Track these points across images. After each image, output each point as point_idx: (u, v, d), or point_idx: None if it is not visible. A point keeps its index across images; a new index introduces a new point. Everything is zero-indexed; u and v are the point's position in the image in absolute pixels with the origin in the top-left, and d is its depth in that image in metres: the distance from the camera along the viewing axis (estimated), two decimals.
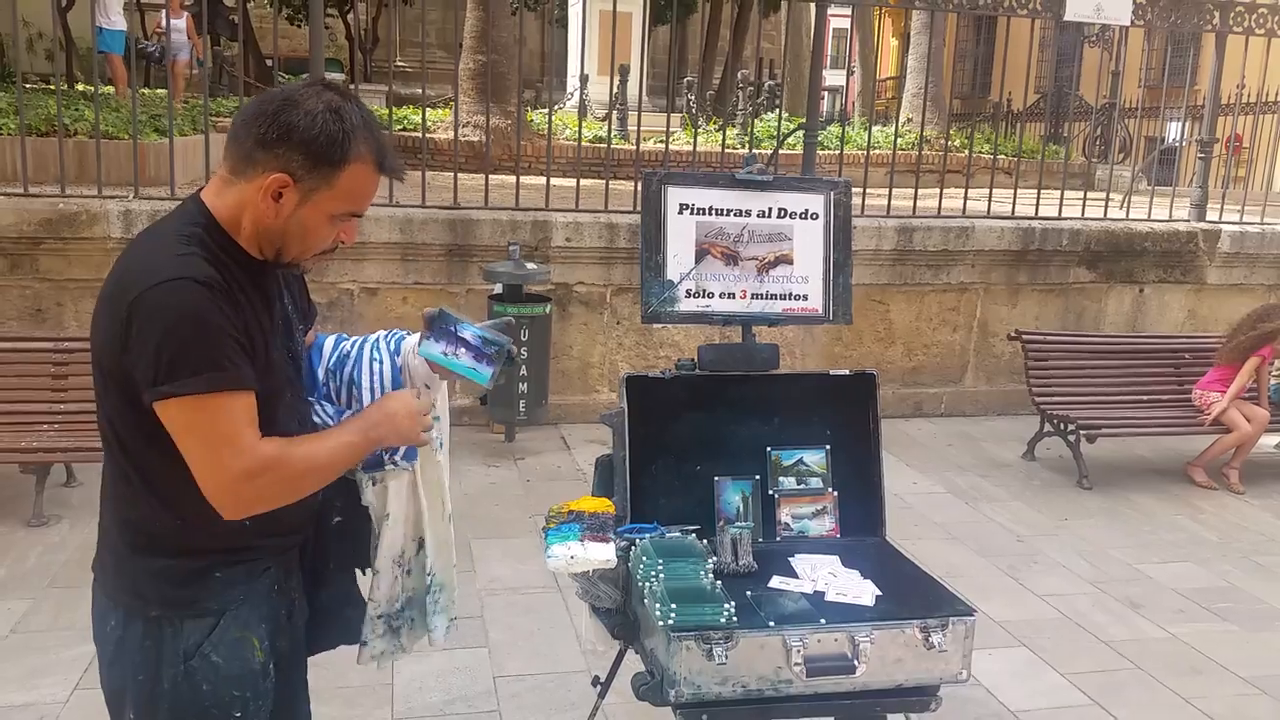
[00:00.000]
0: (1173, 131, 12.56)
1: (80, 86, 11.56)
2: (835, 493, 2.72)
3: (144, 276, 1.52)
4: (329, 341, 1.96)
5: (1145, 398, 5.96)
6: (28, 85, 7.77)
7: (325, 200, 1.60)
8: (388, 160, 1.65)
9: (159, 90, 11.54)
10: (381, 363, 1.91)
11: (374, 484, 1.92)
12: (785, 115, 10.95)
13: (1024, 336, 5.96)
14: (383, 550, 1.96)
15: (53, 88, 6.97)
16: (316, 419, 1.83)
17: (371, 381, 1.90)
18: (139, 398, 1.53)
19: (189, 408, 1.51)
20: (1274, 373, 5.96)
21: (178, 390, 1.49)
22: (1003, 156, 10.51)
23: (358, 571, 2.02)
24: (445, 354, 1.83)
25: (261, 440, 1.57)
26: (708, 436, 2.69)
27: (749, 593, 2.34)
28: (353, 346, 1.95)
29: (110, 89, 10.45)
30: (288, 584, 1.81)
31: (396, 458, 1.89)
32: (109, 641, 1.69)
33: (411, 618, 2.04)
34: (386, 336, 1.96)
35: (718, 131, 10.05)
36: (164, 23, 11.27)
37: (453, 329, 1.84)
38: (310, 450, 1.64)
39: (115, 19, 10.61)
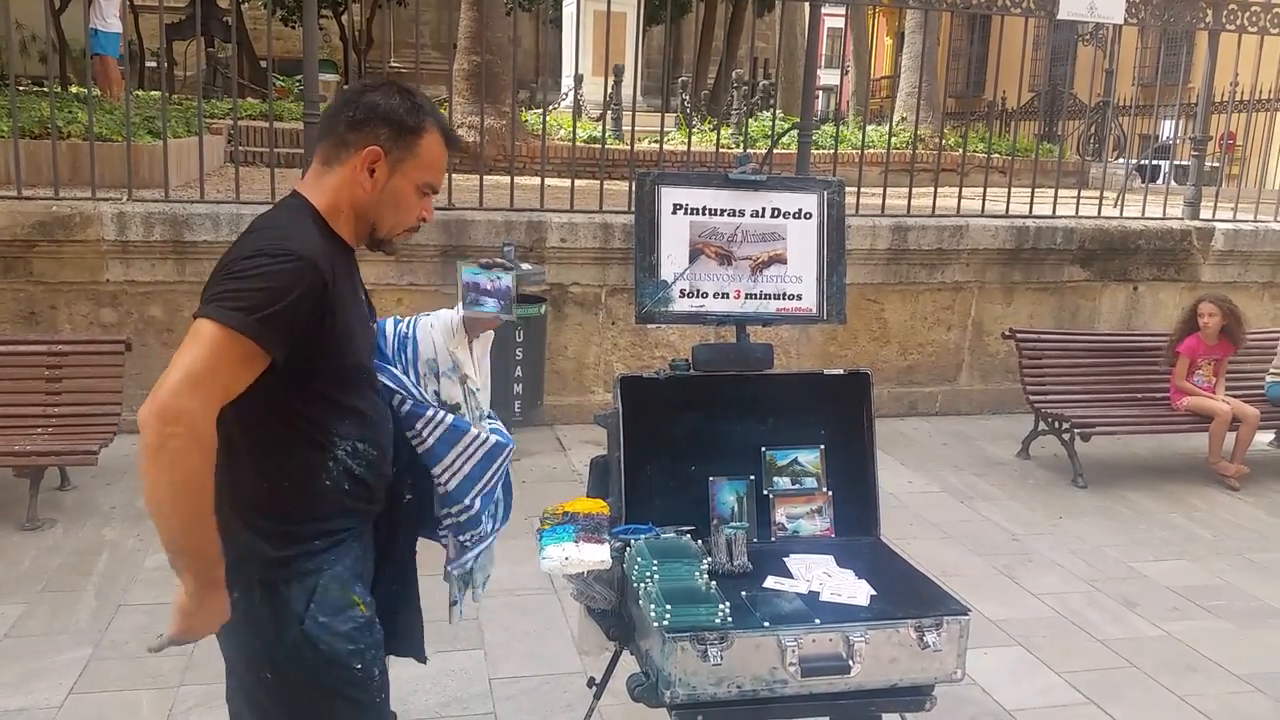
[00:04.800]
0: (1166, 129, 12.58)
1: (74, 89, 11.51)
2: (830, 492, 2.73)
3: (274, 233, 1.70)
4: (389, 324, 2.14)
5: (1139, 396, 5.97)
6: (21, 88, 7.76)
7: (411, 169, 1.80)
8: (452, 135, 1.87)
9: (153, 93, 11.50)
10: (433, 327, 2.15)
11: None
12: (780, 115, 10.95)
13: (1018, 335, 5.96)
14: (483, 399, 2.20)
15: (46, 90, 6.96)
16: (392, 384, 2.01)
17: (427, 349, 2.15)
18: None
19: (205, 327, 1.59)
20: (1273, 370, 5.97)
21: (210, 313, 1.59)
22: (997, 155, 10.52)
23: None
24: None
25: (208, 414, 1.57)
26: (702, 437, 2.69)
27: (744, 593, 2.34)
28: (409, 328, 2.15)
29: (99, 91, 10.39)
30: (366, 555, 1.94)
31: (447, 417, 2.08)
32: (233, 610, 1.73)
33: (483, 565, 2.24)
34: (430, 314, 2.20)
35: (712, 131, 10.04)
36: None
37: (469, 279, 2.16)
38: (189, 484, 1.57)
39: (111, 21, 10.55)
